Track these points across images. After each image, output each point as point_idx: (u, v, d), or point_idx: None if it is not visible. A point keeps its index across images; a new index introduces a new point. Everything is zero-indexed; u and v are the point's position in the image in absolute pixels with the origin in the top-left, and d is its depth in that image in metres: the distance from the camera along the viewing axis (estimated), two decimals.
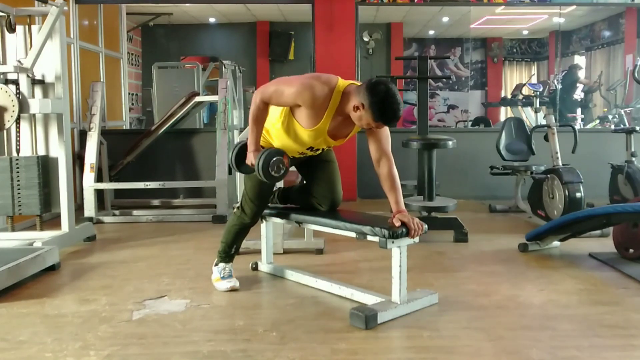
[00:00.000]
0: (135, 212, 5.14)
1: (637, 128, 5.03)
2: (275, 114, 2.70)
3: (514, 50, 11.24)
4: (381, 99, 2.40)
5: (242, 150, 2.79)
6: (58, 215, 3.96)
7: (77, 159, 5.41)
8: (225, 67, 6.66)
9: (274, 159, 2.64)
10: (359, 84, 2.56)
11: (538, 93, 7.67)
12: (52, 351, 2.22)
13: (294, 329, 2.44)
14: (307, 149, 2.75)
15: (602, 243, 3.89)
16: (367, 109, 2.42)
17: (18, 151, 3.89)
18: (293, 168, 2.97)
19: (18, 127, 3.86)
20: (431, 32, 10.77)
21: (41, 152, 3.95)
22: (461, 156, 5.68)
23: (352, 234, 2.64)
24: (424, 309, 2.66)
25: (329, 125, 2.58)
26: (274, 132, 2.74)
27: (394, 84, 2.48)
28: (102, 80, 6.27)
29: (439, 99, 10.69)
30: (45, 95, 3.88)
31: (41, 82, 3.86)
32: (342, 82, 2.56)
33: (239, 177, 3.72)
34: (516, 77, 11.11)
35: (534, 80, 10.47)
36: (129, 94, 7.73)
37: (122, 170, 5.57)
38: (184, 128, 6.22)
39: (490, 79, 11.03)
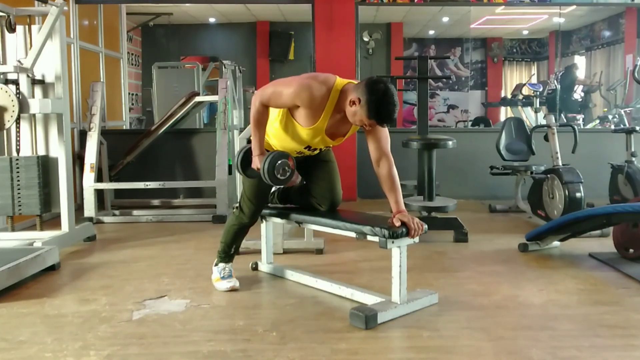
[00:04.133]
0: (135, 212, 5.14)
1: (637, 128, 5.03)
2: (273, 113, 2.71)
3: (514, 50, 11.24)
4: (379, 98, 2.40)
5: (247, 154, 2.78)
6: (58, 215, 3.96)
7: (77, 159, 5.41)
8: (225, 67, 6.65)
9: (279, 161, 2.63)
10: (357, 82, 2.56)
11: (538, 93, 7.68)
12: (52, 351, 2.22)
13: (294, 329, 2.44)
14: (305, 148, 2.75)
15: (602, 243, 3.89)
16: (363, 104, 2.42)
17: (18, 151, 3.89)
18: None
19: (18, 127, 3.86)
20: (431, 32, 10.77)
21: (41, 152, 3.95)
22: (461, 156, 5.67)
23: (352, 234, 2.64)
24: (424, 309, 2.66)
25: (327, 124, 2.59)
26: (272, 131, 2.74)
27: (393, 86, 2.47)
28: (102, 80, 6.27)
29: (439, 99, 10.70)
30: (45, 95, 3.88)
31: (41, 82, 3.86)
32: (340, 81, 2.57)
33: (238, 177, 3.72)
34: (516, 77, 11.12)
35: (534, 80, 10.47)
36: (129, 94, 7.72)
37: (122, 170, 5.57)
38: (184, 128, 6.22)
39: (490, 79, 11.04)
